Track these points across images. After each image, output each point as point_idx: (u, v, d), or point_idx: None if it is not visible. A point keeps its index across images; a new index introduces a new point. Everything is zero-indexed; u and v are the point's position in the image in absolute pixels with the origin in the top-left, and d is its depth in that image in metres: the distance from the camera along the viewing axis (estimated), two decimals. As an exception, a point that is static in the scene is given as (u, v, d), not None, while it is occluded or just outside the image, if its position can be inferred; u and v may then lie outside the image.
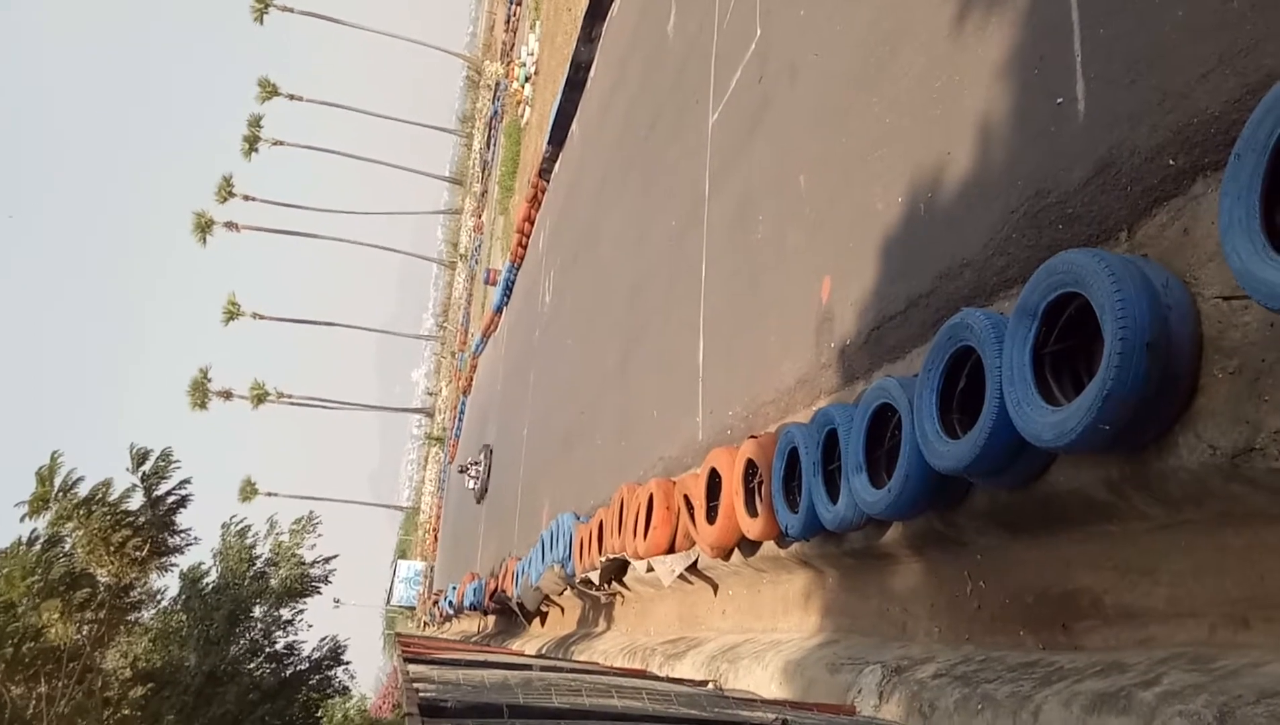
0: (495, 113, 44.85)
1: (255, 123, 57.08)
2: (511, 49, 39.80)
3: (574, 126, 19.48)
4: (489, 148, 46.99)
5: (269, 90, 56.75)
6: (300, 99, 59.04)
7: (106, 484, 19.70)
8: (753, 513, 5.63)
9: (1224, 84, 2.99)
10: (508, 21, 42.54)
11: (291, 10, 54.57)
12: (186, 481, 20.78)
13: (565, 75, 19.01)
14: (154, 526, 19.72)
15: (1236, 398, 2.68)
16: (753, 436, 5.80)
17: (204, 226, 55.53)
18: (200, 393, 56.13)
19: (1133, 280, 2.79)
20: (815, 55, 6.68)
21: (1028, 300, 3.18)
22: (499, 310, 29.26)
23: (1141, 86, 3.37)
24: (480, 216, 48.93)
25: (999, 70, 4.30)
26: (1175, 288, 2.87)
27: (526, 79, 30.75)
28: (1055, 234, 3.69)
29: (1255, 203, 2.39)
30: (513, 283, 26.93)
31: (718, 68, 9.10)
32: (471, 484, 27.28)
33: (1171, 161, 3.14)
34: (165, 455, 20.59)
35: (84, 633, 17.80)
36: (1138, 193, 3.27)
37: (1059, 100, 3.80)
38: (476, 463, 26.79)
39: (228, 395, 57.57)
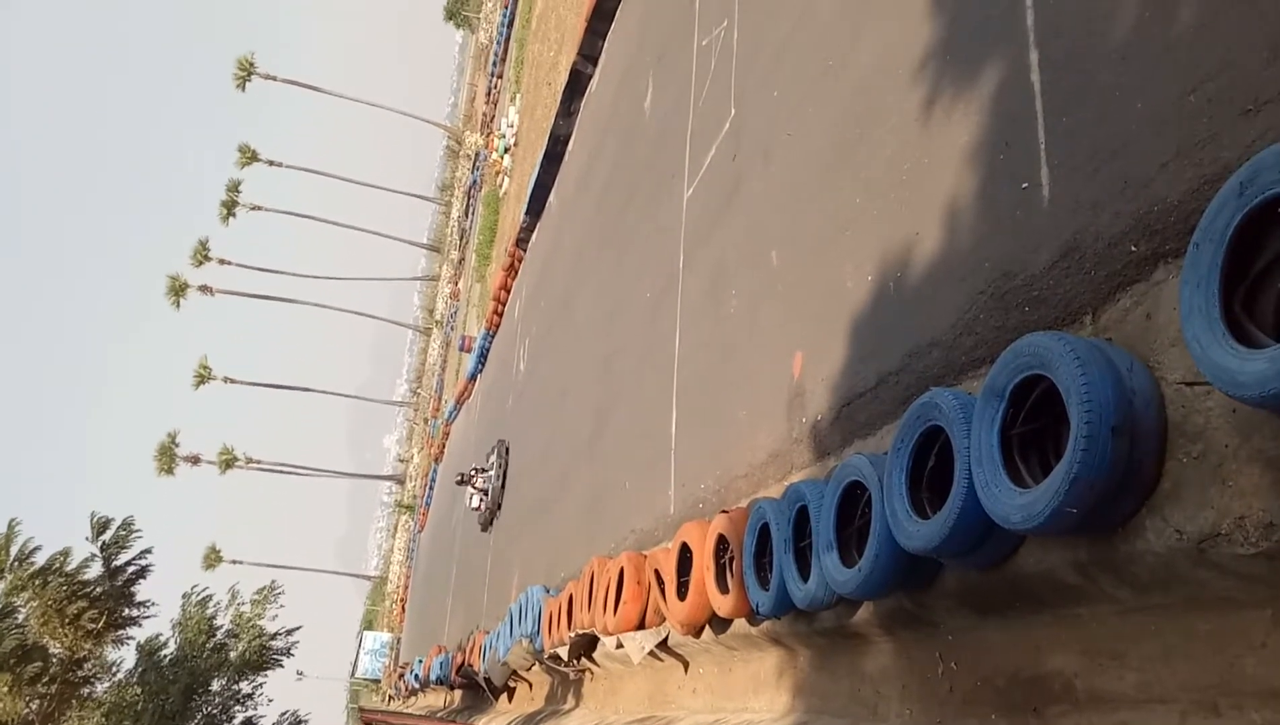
0: (474, 182, 45.32)
1: (234, 188, 57.30)
2: (492, 120, 40.40)
3: (551, 198, 19.70)
4: (467, 216, 47.36)
5: (249, 156, 57.12)
6: (280, 165, 59.40)
7: (64, 553, 19.26)
8: (724, 589, 5.56)
9: (1182, 174, 3.07)
10: (488, 94, 43.25)
11: (274, 78, 55.17)
12: (147, 551, 20.36)
13: (544, 147, 19.27)
14: (111, 598, 19.23)
15: (1201, 482, 2.70)
16: (724, 511, 5.76)
17: (178, 290, 55.30)
18: (167, 458, 55.29)
19: (1097, 364, 2.82)
20: (788, 135, 6.81)
21: (995, 381, 3.20)
22: (473, 377, 29.19)
23: (1104, 175, 3.46)
24: (457, 284, 49.09)
25: (966, 154, 4.40)
26: (1139, 372, 2.91)
27: (506, 150, 31.16)
28: (1022, 315, 3.74)
29: (1214, 291, 2.43)
30: (487, 350, 26.92)
31: (693, 145, 9.26)
32: (475, 503, 19.71)
33: (1134, 248, 3.20)
34: (126, 524, 20.19)
35: (34, 707, 17.20)
36: (1101, 277, 3.33)
37: (1024, 185, 3.89)
38: (483, 470, 19.27)
39: (195, 460, 56.74)
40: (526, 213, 21.28)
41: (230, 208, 57.57)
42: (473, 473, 19.60)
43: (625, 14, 14.80)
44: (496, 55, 41.21)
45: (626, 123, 12.85)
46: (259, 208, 59.02)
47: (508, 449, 18.14)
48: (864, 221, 5.32)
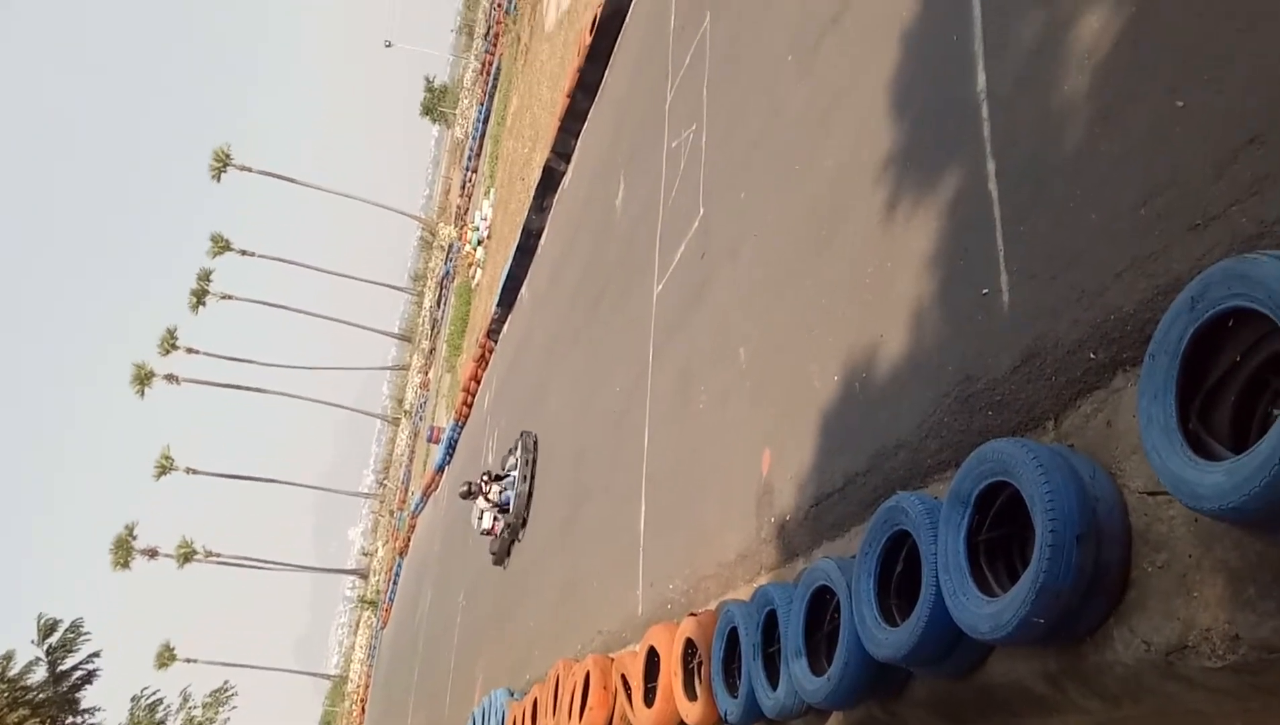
0: (447, 273, 45.62)
1: (205, 277, 57.29)
2: (465, 213, 40.88)
3: (523, 290, 19.83)
4: (439, 306, 47.53)
5: (221, 245, 57.26)
6: (252, 254, 59.55)
7: (7, 657, 18.53)
8: (691, 696, 5.43)
9: (1137, 284, 3.14)
10: (463, 187, 43.86)
11: (250, 170, 55.71)
12: (96, 654, 19.66)
13: (516, 241, 19.48)
14: (55, 705, 18.47)
15: (1167, 593, 2.69)
16: (692, 614, 5.66)
17: (143, 378, 54.69)
18: (124, 551, 53.80)
19: (1060, 471, 2.84)
20: (755, 236, 6.93)
21: (960, 487, 3.20)
22: (440, 469, 28.87)
23: (1061, 282, 3.53)
24: (427, 374, 48.96)
25: (928, 259, 4.49)
26: (1102, 479, 2.92)
27: (479, 242, 31.46)
28: (985, 420, 3.76)
29: (1171, 403, 2.46)
30: (456, 442, 26.70)
31: (663, 242, 9.39)
32: (488, 523, 14.71)
33: (1092, 355, 3.25)
34: (75, 626, 19.52)
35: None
36: (1062, 383, 3.37)
37: (984, 291, 3.96)
38: (499, 477, 14.56)
39: (153, 554, 55.24)
40: (498, 304, 21.38)
41: (200, 297, 57.43)
42: (484, 481, 14.60)
43: (598, 115, 15.15)
44: (472, 150, 41.95)
45: (598, 219, 13.04)
46: (229, 297, 58.91)
47: (535, 442, 13.63)
48: (830, 321, 5.38)
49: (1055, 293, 3.54)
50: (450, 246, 44.68)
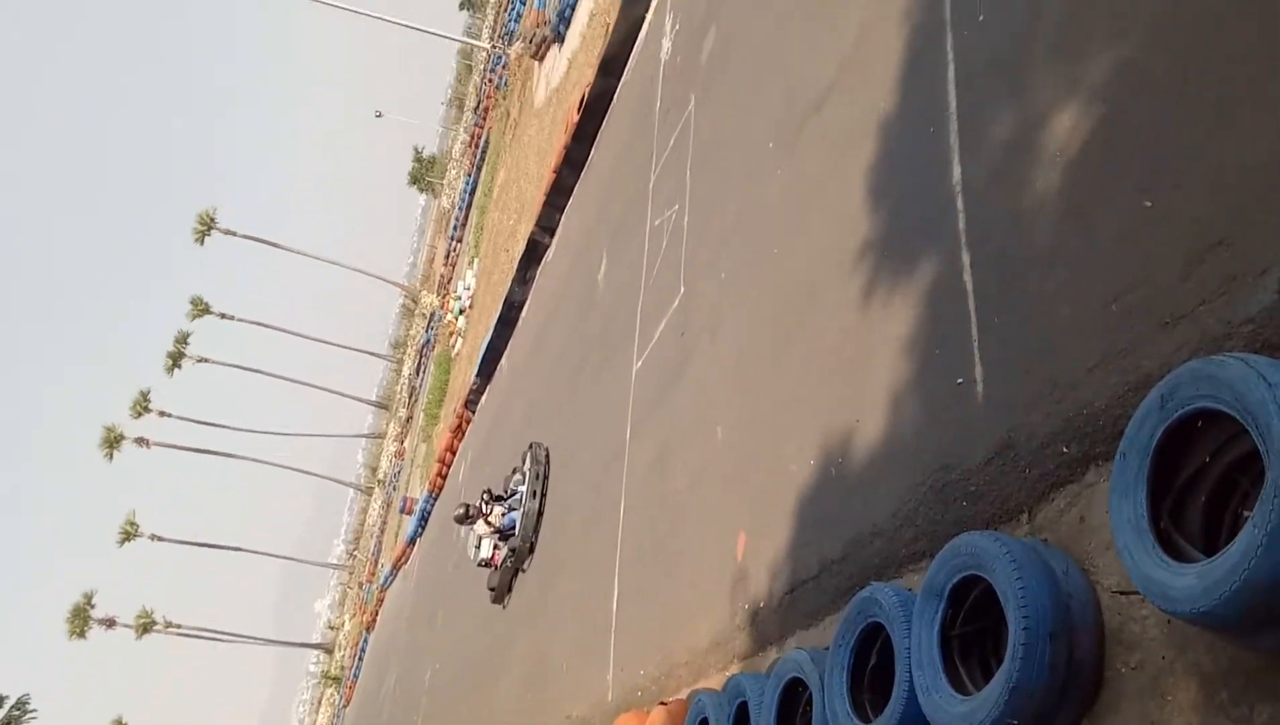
0: (428, 341, 45.58)
1: (182, 340, 56.91)
2: (449, 282, 41.04)
3: (503, 361, 19.82)
4: (418, 375, 47.37)
5: (200, 308, 57.05)
6: (232, 318, 59.35)
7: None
8: (661, 785, 5.28)
9: (1108, 380, 3.16)
10: (447, 256, 44.10)
11: (234, 233, 55.83)
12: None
13: (498, 312, 19.54)
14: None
15: (1141, 694, 2.65)
16: (663, 703, 5.55)
17: (113, 441, 53.86)
18: (81, 620, 52.16)
19: (1034, 567, 2.82)
20: (734, 316, 6.97)
21: (934, 580, 3.17)
22: (412, 542, 28.45)
23: (1034, 375, 3.56)
24: (403, 443, 48.56)
25: (904, 346, 4.52)
26: (1075, 575, 2.90)
27: (461, 311, 31.54)
28: (960, 511, 3.75)
29: (1142, 502, 2.46)
30: (429, 513, 26.36)
31: (644, 319, 9.44)
32: (488, 552, 12.91)
33: (1065, 449, 3.26)
34: (21, 704, 18.79)
35: None
36: (1036, 476, 3.37)
37: (959, 381, 3.98)
38: (501, 497, 13.00)
39: (111, 623, 53.64)
40: (478, 375, 21.34)
41: (176, 359, 56.97)
42: (484, 501, 12.88)
43: (583, 191, 15.35)
44: (457, 220, 42.29)
45: (580, 293, 13.11)
46: (205, 360, 58.52)
47: (547, 455, 11.92)
48: (807, 405, 5.39)
49: (1029, 385, 3.56)
50: (432, 315, 44.74)
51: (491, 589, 12.85)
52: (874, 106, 5.53)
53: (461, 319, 31.04)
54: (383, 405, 68.94)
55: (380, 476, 58.65)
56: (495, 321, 19.70)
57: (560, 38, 21.81)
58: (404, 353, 61.79)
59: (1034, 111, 4.01)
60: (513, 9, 37.06)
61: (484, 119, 41.21)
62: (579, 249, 14.17)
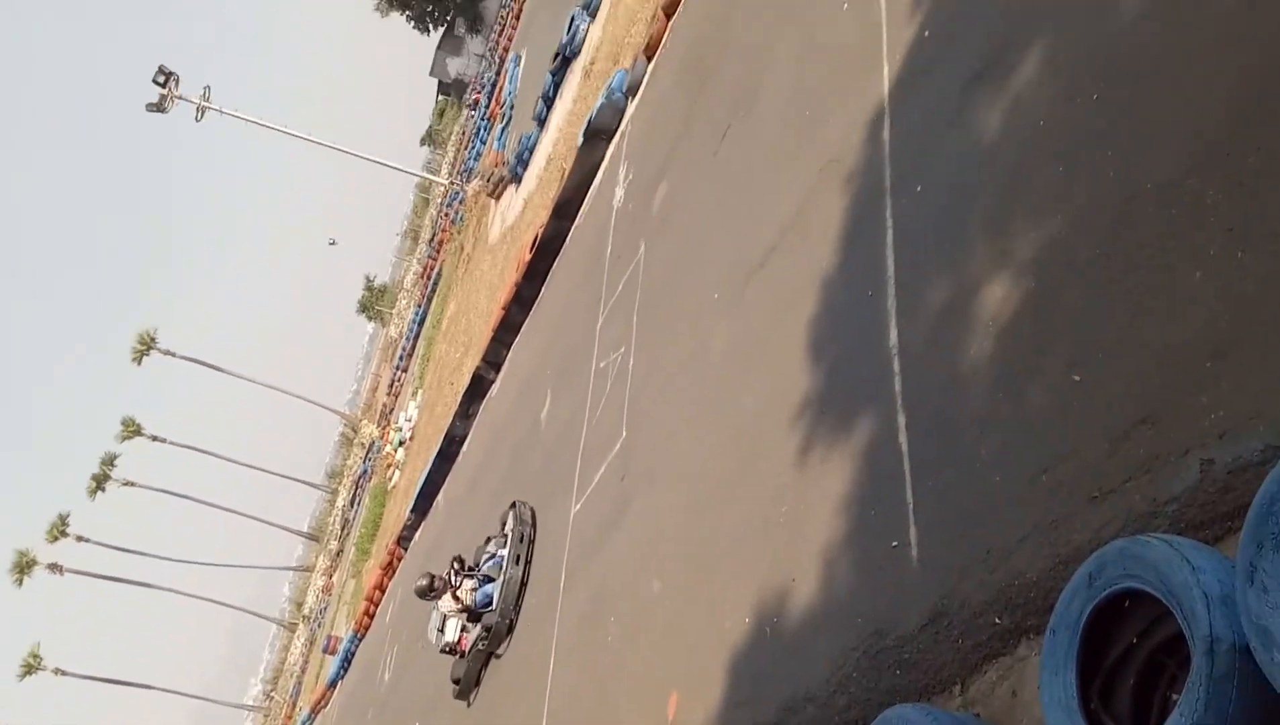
0: (365, 472, 44.68)
1: (109, 461, 55.00)
2: (390, 413, 40.62)
3: (440, 497, 19.46)
4: (353, 506, 46.22)
5: (131, 430, 55.46)
6: (164, 441, 57.77)
7: None
8: None
9: (1039, 552, 3.18)
10: (391, 386, 43.77)
11: (173, 354, 54.97)
12: None
13: (439, 446, 19.30)
14: None
15: None
16: None
17: (24, 567, 51.20)
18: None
19: (966, 745, 2.74)
20: (675, 465, 6.95)
21: (866, 754, 3.07)
22: (333, 684, 27.10)
23: (968, 541, 3.56)
24: (331, 578, 46.91)
25: (840, 506, 4.52)
26: (1008, 754, 2.83)
27: (401, 443, 31.09)
28: (893, 679, 3.68)
29: (1072, 682, 2.43)
30: (353, 654, 25.24)
31: (585, 461, 9.37)
32: (453, 632, 10.81)
33: (998, 620, 3.24)
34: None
35: None
36: (969, 647, 3.33)
37: (894, 543, 3.97)
38: (473, 570, 10.96)
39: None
40: (413, 510, 20.88)
41: (101, 482, 54.91)
42: (452, 571, 10.95)
43: (531, 329, 15.46)
44: (404, 350, 42.23)
45: (522, 432, 13.03)
46: (132, 484, 56.58)
47: (533, 516, 10.24)
48: (743, 559, 5.33)
49: (962, 551, 3.56)
50: (371, 445, 44.05)
51: (456, 681, 10.61)
52: (816, 267, 5.70)
53: (401, 451, 30.59)
54: (313, 537, 66.92)
55: (305, 612, 56.36)
56: (434, 455, 19.44)
57: (517, 178, 22.41)
58: (340, 483, 60.46)
59: (968, 281, 4.16)
60: (473, 148, 38.19)
61: (438, 251, 41.80)
62: (523, 386, 14.17)
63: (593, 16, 18.04)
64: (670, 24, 11.86)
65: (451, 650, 10.77)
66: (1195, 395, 2.83)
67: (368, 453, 45.25)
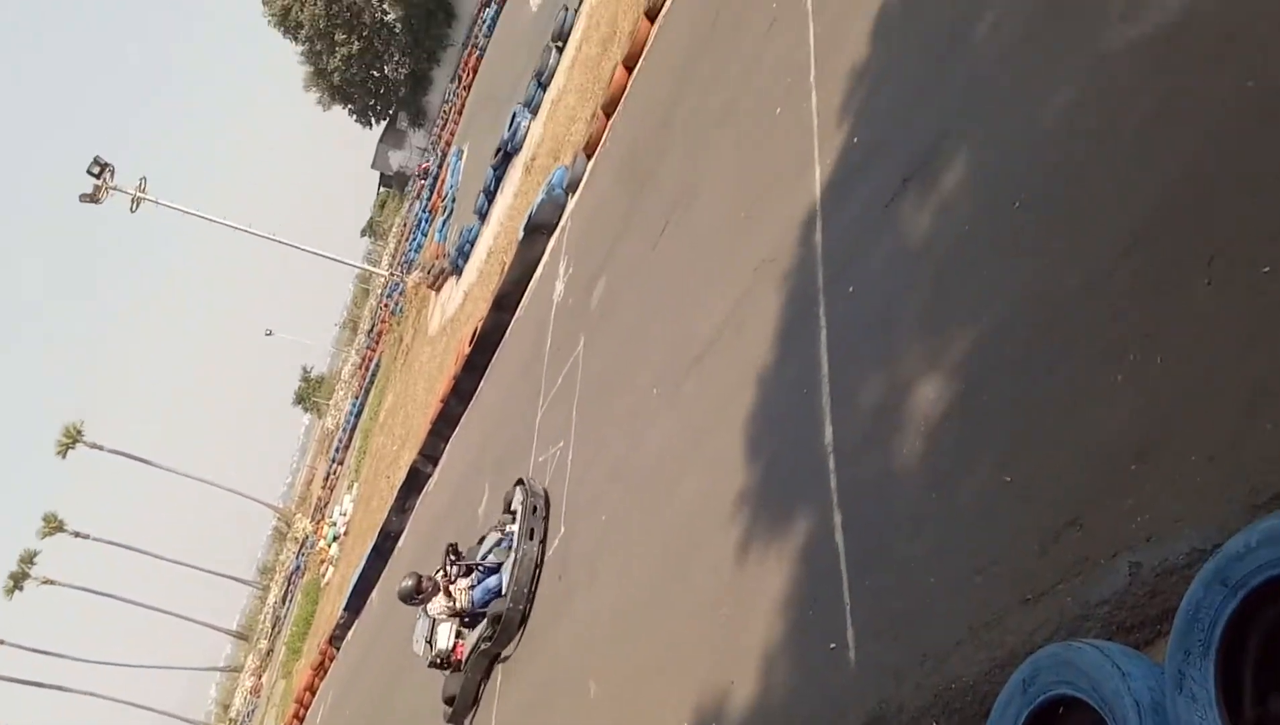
0: (297, 568, 43.33)
1: (28, 559, 52.67)
2: (325, 506, 39.64)
3: (374, 595, 18.92)
4: (284, 603, 44.67)
5: (53, 525, 53.30)
6: (87, 537, 55.56)
7: None
8: None
9: (975, 654, 3.16)
10: (326, 479, 42.84)
11: (100, 448, 53.29)
12: None
13: (373, 541, 18.84)
14: None
15: None
16: None
17: (-68, 670, 48.38)
18: None
19: None
20: (614, 562, 6.86)
21: None
22: (260, 792, 25.81)
23: (904, 643, 3.53)
24: (260, 678, 45.01)
25: (778, 606, 4.47)
26: None
27: (335, 538, 30.28)
28: (834, 787, 3.60)
29: (1012, 797, 2.39)
30: (281, 760, 24.13)
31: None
32: (446, 640, 8.94)
33: (936, 725, 3.20)
34: None
35: None
36: (908, 754, 3.28)
37: (832, 645, 3.93)
38: (472, 566, 9.00)
39: None
40: (345, 608, 20.25)
41: (19, 581, 52.42)
42: (447, 563, 9.07)
43: (469, 422, 15.32)
44: (341, 442, 41.49)
45: (458, 528, 12.77)
46: (52, 582, 54.09)
47: (546, 500, 8.78)
48: (682, 662, 5.22)
49: (899, 654, 3.53)
50: (304, 540, 42.81)
51: (448, 701, 8.97)
52: (753, 363, 5.74)
53: (335, 546, 29.78)
54: (243, 635, 64.39)
55: (232, 715, 53.84)
56: (369, 551, 18.97)
57: (458, 271, 22.48)
58: (271, 579, 58.54)
59: (900, 381, 4.22)
60: (414, 240, 38.31)
61: (377, 342, 41.50)
62: (461, 480, 13.96)
63: (534, 113, 18.41)
64: (610, 123, 12.15)
65: (444, 662, 8.99)
66: (1122, 497, 2.88)
67: (301, 548, 43.97)
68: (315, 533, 37.73)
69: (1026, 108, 4.04)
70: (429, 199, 37.92)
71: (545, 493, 8.83)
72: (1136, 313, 3.07)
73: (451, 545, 9.28)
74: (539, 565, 8.24)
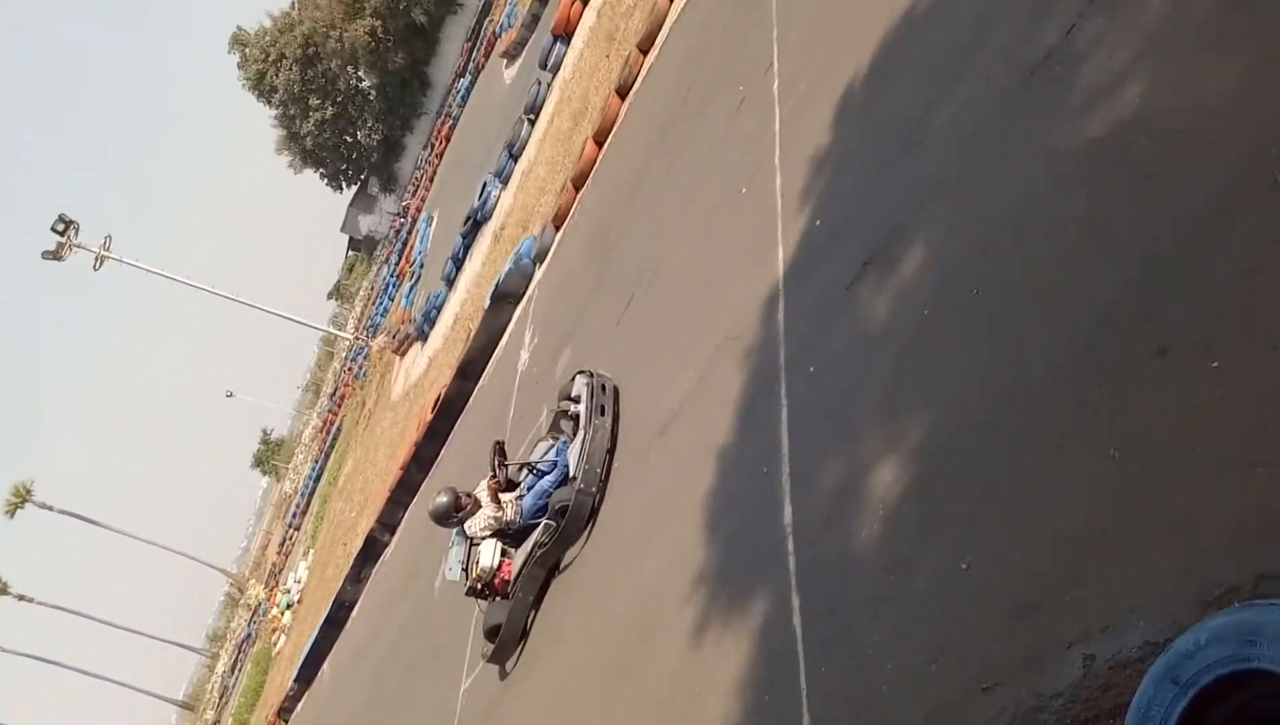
0: (248, 636, 42.16)
1: (-34, 622, 50.91)
2: (280, 572, 38.76)
3: (325, 665, 18.43)
4: (233, 672, 43.36)
5: (-2, 588, 51.66)
6: (31, 600, 53.79)
7: None
8: None
9: (934, 747, 3.11)
10: (282, 544, 41.98)
11: (50, 508, 51.93)
12: None
13: (327, 610, 18.42)
14: None
15: None
16: None
17: None
18: None
19: None
20: (570, 641, 6.73)
21: None
22: None
23: (861, 732, 3.48)
24: (204, 751, 43.46)
25: (736, 688, 4.39)
26: None
27: (288, 606, 29.56)
28: None
29: None
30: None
31: (476, 634, 8.99)
32: (491, 558, 7.61)
33: (894, 823, 3.13)
34: None
35: None
36: (864, 849, 3.20)
37: (789, 732, 3.86)
38: (527, 466, 7.81)
39: None
40: (296, 679, 19.70)
41: (-45, 644, 50.61)
42: (496, 470, 7.81)
43: (429, 490, 15.12)
44: (298, 507, 40.77)
45: (414, 601, 12.54)
46: (-9, 648, 52.18)
47: (617, 391, 7.52)
48: (637, 745, 5.10)
49: (857, 745, 3.47)
50: (257, 607, 41.74)
51: (491, 633, 7.70)
52: (715, 439, 5.73)
53: (287, 614, 29.06)
54: (188, 706, 62.28)
55: (172, 790, 51.83)
56: (323, 621, 18.53)
57: (424, 336, 22.43)
58: (221, 647, 56.89)
59: (859, 463, 4.22)
60: (381, 304, 38.23)
61: (339, 406, 41.10)
62: (418, 552, 13.72)
63: (504, 183, 18.60)
64: (579, 196, 12.28)
65: (484, 589, 7.61)
66: (1077, 587, 2.87)
67: (253, 615, 42.86)
68: (268, 600, 36.84)
69: (983, 198, 4.13)
70: (397, 263, 37.96)
71: (616, 391, 7.50)
72: (1090, 403, 3.10)
73: (498, 443, 8.00)
74: (612, 448, 7.08)
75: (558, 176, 13.72)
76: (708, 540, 5.32)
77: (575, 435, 7.24)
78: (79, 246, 29.21)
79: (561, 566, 7.19)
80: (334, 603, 18.07)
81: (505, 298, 13.48)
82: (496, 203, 18.67)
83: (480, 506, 7.68)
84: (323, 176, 59.22)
